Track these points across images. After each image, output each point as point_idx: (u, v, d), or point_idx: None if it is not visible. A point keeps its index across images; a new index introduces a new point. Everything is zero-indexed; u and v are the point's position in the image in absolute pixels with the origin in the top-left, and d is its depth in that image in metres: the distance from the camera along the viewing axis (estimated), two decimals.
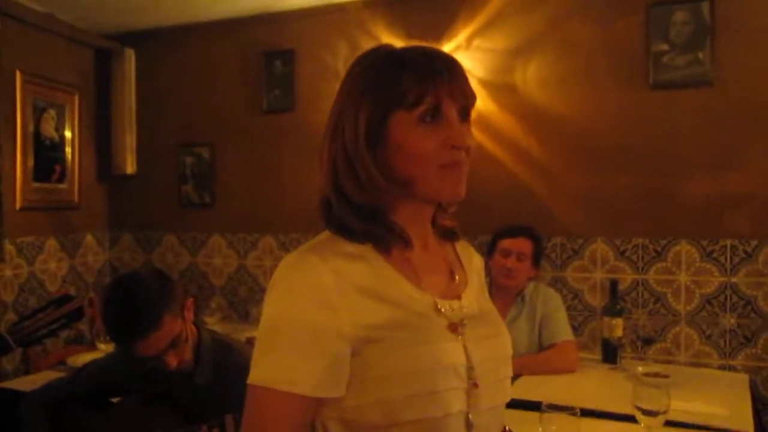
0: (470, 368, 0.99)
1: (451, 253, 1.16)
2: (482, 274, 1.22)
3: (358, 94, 1.00)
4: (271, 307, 0.97)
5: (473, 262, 1.20)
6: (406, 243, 1.03)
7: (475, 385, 0.99)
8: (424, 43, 3.06)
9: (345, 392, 0.94)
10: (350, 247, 0.99)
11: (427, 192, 1.00)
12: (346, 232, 1.01)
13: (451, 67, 1.00)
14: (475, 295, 1.12)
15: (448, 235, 1.16)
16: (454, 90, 0.99)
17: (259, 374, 0.94)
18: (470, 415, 0.98)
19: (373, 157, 0.98)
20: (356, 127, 0.98)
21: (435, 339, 0.98)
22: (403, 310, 0.98)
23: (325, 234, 1.04)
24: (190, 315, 1.89)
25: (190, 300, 1.91)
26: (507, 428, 1.20)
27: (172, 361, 1.81)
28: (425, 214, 1.08)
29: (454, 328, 1.01)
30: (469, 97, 1.02)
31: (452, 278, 1.11)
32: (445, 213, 1.13)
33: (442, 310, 1.02)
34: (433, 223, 1.12)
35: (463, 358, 0.99)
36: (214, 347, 1.93)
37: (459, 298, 1.07)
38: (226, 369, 1.88)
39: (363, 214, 1.00)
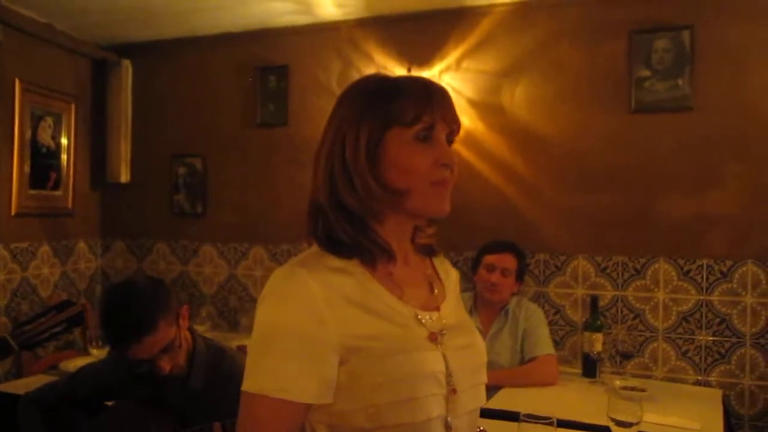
0: (449, 375, 1.06)
1: (429, 267, 1.23)
2: (458, 287, 1.29)
3: (360, 112, 1.08)
4: (262, 318, 1.03)
5: (450, 275, 1.27)
6: (390, 257, 1.09)
7: (454, 391, 1.06)
8: (414, 65, 3.17)
9: (333, 398, 1.00)
10: (337, 262, 1.06)
11: (417, 206, 1.07)
12: (333, 244, 1.08)
13: (444, 95, 1.10)
14: (452, 307, 1.20)
15: (427, 251, 1.23)
16: (446, 115, 1.08)
17: (252, 382, 1.00)
18: (449, 419, 1.05)
19: (370, 170, 1.05)
20: (357, 142, 1.06)
21: (416, 348, 1.05)
22: (387, 321, 1.05)
23: (313, 249, 1.11)
24: (185, 322, 1.95)
25: (185, 307, 1.97)
26: (481, 429, 1.28)
27: (165, 366, 1.87)
28: (407, 230, 1.16)
29: (434, 337, 1.08)
30: (456, 124, 1.11)
31: (431, 291, 1.18)
32: (422, 232, 1.20)
33: (423, 321, 1.09)
34: (412, 240, 1.19)
35: (443, 365, 1.06)
36: (208, 353, 1.99)
37: (438, 309, 1.15)
38: (219, 375, 1.94)
39: (354, 222, 1.07)
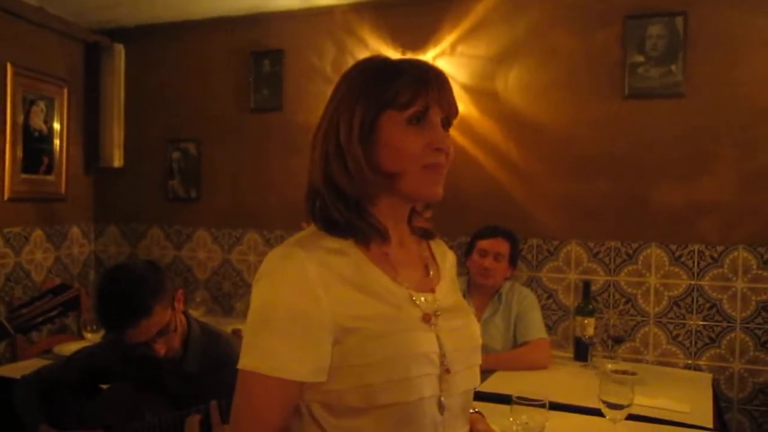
0: (443, 356, 1.07)
1: (425, 249, 1.24)
2: (454, 269, 1.31)
3: (355, 94, 1.09)
4: (259, 297, 1.04)
5: (446, 258, 1.29)
6: (384, 238, 1.11)
7: (447, 371, 1.07)
8: (408, 50, 3.17)
9: (327, 377, 1.02)
10: (333, 243, 1.07)
11: (409, 189, 1.08)
12: (330, 225, 1.09)
13: (441, 79, 1.11)
14: (447, 289, 1.21)
15: (424, 234, 1.24)
16: (441, 99, 1.09)
17: (248, 360, 1.02)
18: (442, 399, 1.07)
19: (364, 152, 1.06)
20: (351, 124, 1.07)
21: (410, 329, 1.06)
22: (381, 301, 1.06)
23: (310, 229, 1.12)
24: (180, 306, 1.96)
25: (181, 291, 1.98)
26: (475, 410, 1.30)
27: (161, 349, 1.88)
28: (402, 212, 1.16)
29: (428, 319, 1.10)
30: (453, 109, 1.12)
31: (426, 273, 1.19)
32: (419, 216, 1.22)
33: (417, 302, 1.11)
34: (409, 223, 1.20)
35: (436, 346, 1.07)
36: (203, 337, 2.00)
37: (433, 291, 1.16)
38: (214, 358, 1.95)
39: (348, 204, 1.08)
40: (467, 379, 1.14)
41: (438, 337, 1.09)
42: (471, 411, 1.24)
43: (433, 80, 1.09)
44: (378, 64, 1.13)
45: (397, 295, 1.09)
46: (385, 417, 1.02)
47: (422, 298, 1.12)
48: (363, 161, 1.06)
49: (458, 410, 1.12)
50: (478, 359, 1.18)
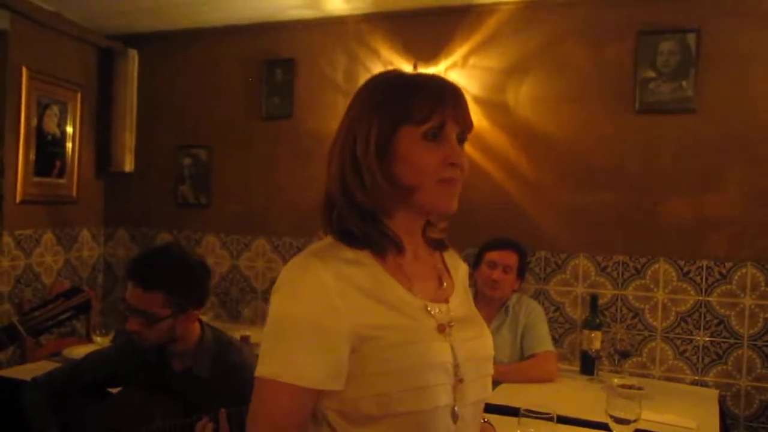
0: (456, 366, 1.09)
1: (439, 261, 1.25)
2: (467, 280, 1.31)
3: (371, 108, 1.10)
4: (277, 307, 1.06)
5: (459, 269, 1.30)
6: (400, 249, 1.12)
7: (461, 381, 1.09)
8: (420, 61, 3.18)
9: (344, 386, 1.03)
10: (349, 253, 1.08)
11: (424, 203, 1.10)
12: (346, 236, 1.10)
13: (457, 95, 1.12)
14: (461, 300, 1.22)
15: (437, 246, 1.25)
16: (457, 114, 1.10)
17: (266, 368, 1.03)
18: (456, 408, 1.08)
19: (380, 166, 1.08)
20: (368, 138, 1.08)
21: (425, 339, 1.08)
22: (397, 311, 1.07)
23: (326, 240, 1.13)
24: (187, 323, 1.96)
25: (197, 314, 2.00)
26: (485, 420, 1.31)
27: (132, 324, 1.91)
28: (417, 225, 1.18)
29: (443, 329, 1.11)
30: (468, 124, 1.13)
31: (440, 284, 1.21)
32: (434, 227, 1.23)
33: (432, 312, 1.12)
34: (423, 235, 1.21)
35: (450, 356, 1.09)
36: (215, 344, 2.01)
37: (447, 302, 1.17)
38: (224, 364, 1.96)
39: (364, 216, 1.10)
40: (480, 389, 1.15)
41: (452, 347, 1.10)
42: (481, 421, 1.25)
43: (449, 96, 1.10)
44: (394, 78, 1.15)
45: (413, 306, 1.10)
46: (401, 425, 1.03)
47: (437, 309, 1.13)
48: (379, 175, 1.08)
49: (470, 420, 1.13)
50: (490, 369, 1.19)
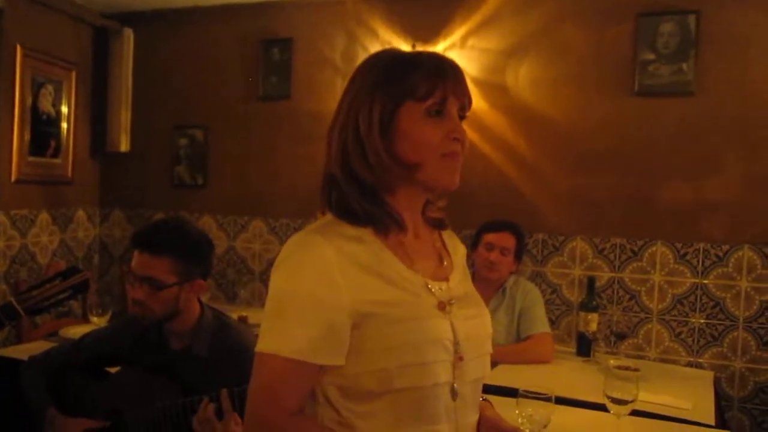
0: (456, 343, 1.09)
1: (438, 240, 1.26)
2: (465, 260, 1.32)
3: (373, 85, 1.10)
4: (278, 282, 1.07)
5: (458, 249, 1.30)
6: (401, 227, 1.13)
7: (461, 359, 1.09)
8: (419, 42, 3.16)
9: (345, 361, 1.03)
10: (351, 230, 1.09)
11: (428, 178, 1.10)
12: (347, 214, 1.10)
13: (457, 70, 1.13)
14: (460, 279, 1.23)
15: (437, 224, 1.26)
16: (457, 90, 1.11)
17: (266, 343, 1.04)
18: (455, 385, 1.09)
19: (383, 142, 1.08)
20: (370, 116, 1.08)
21: (426, 315, 1.08)
22: (398, 288, 1.08)
23: (328, 217, 1.13)
24: (193, 293, 1.96)
25: (203, 283, 1.99)
26: (483, 398, 1.31)
27: (135, 291, 1.89)
28: (418, 203, 1.18)
29: (443, 306, 1.12)
30: (468, 100, 1.14)
31: (440, 263, 1.21)
32: (433, 206, 1.23)
33: (433, 290, 1.12)
34: (423, 214, 1.22)
35: (451, 333, 1.09)
36: (214, 323, 2.01)
37: (447, 280, 1.18)
38: (223, 344, 1.96)
39: (366, 193, 1.10)
40: (479, 367, 1.15)
41: (452, 325, 1.11)
42: (480, 399, 1.26)
43: (449, 72, 1.11)
44: (394, 56, 1.15)
45: (414, 283, 1.11)
46: (400, 401, 1.04)
47: (437, 287, 1.14)
48: (383, 153, 1.08)
49: (469, 398, 1.14)
50: (489, 348, 1.20)
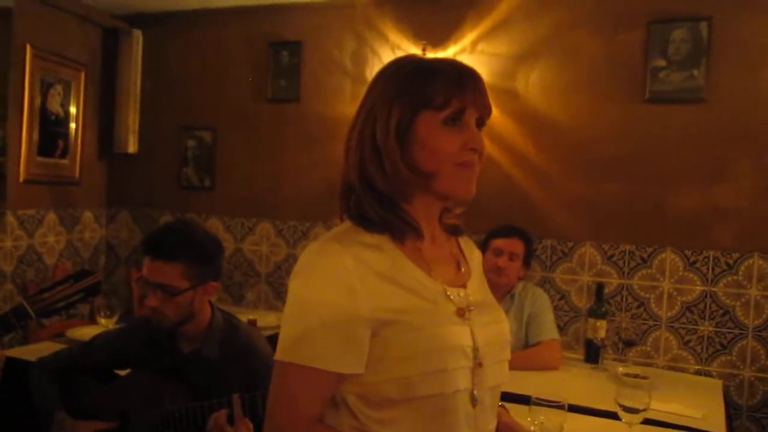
0: (476, 350, 1.09)
1: (455, 246, 1.26)
2: (481, 266, 1.32)
3: (391, 94, 1.10)
4: (297, 291, 1.07)
5: (474, 255, 1.30)
6: (419, 234, 1.12)
7: (480, 365, 1.09)
8: (429, 46, 3.14)
9: (364, 369, 1.03)
10: (368, 238, 1.09)
11: (443, 187, 1.10)
12: (364, 222, 1.10)
13: (477, 80, 1.12)
14: (478, 285, 1.23)
15: (453, 231, 1.26)
16: (476, 100, 1.10)
17: (286, 351, 1.04)
18: (475, 392, 1.08)
19: (400, 151, 1.08)
20: (388, 123, 1.08)
21: (445, 322, 1.08)
22: (416, 295, 1.08)
23: (345, 224, 1.13)
24: (205, 296, 1.95)
25: (214, 285, 1.98)
26: (501, 404, 1.31)
27: (150, 299, 1.87)
28: (435, 210, 1.18)
29: (462, 313, 1.11)
30: (487, 109, 1.13)
31: (458, 269, 1.21)
32: (450, 212, 1.23)
33: (451, 296, 1.12)
34: (439, 220, 1.21)
35: (470, 340, 1.09)
36: (224, 325, 2.00)
37: (465, 286, 1.17)
38: (233, 347, 1.95)
39: (383, 203, 1.10)
40: (497, 373, 1.15)
41: (472, 332, 1.11)
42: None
43: (469, 81, 1.10)
44: (414, 63, 1.14)
45: (432, 290, 1.11)
46: (421, 409, 1.04)
47: (455, 293, 1.14)
48: (400, 161, 1.08)
49: (488, 404, 1.13)
50: (507, 354, 1.20)
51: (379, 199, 1.10)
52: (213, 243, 2.00)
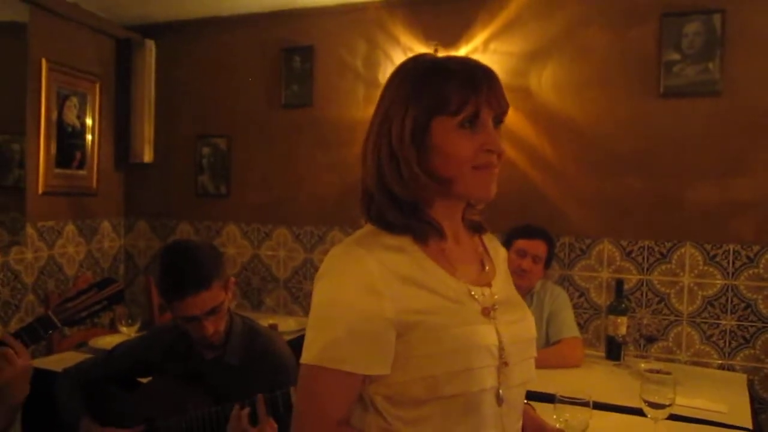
0: (501, 348, 1.09)
1: (479, 245, 1.26)
2: (506, 264, 1.32)
3: (405, 99, 1.09)
4: (321, 294, 1.07)
5: (499, 253, 1.30)
6: (441, 235, 1.12)
7: (506, 364, 1.09)
8: (441, 47, 3.14)
9: (391, 370, 1.03)
10: (391, 240, 1.08)
11: (462, 191, 1.09)
12: (386, 225, 1.10)
13: (490, 78, 1.10)
14: (502, 283, 1.22)
15: (477, 229, 1.25)
16: (491, 99, 1.08)
17: (312, 354, 1.04)
18: (501, 391, 1.08)
19: (416, 157, 1.07)
20: (402, 130, 1.07)
21: (470, 322, 1.08)
22: (440, 296, 1.08)
23: (367, 228, 1.13)
24: (231, 293, 1.99)
25: (233, 279, 2.02)
26: (526, 402, 1.31)
27: (209, 327, 1.90)
28: (457, 210, 1.18)
29: (487, 312, 1.11)
30: (504, 106, 1.12)
31: (482, 268, 1.21)
32: (473, 209, 1.23)
33: (476, 296, 1.12)
34: (462, 218, 1.21)
35: (495, 338, 1.09)
36: (244, 330, 2.02)
37: (489, 285, 1.17)
38: (254, 351, 1.97)
39: (403, 208, 1.10)
40: (523, 371, 1.15)
41: (497, 330, 1.10)
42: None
43: (483, 81, 1.08)
44: (426, 66, 1.12)
45: (457, 290, 1.10)
46: (448, 408, 1.04)
47: (480, 292, 1.13)
48: (416, 166, 1.07)
49: (515, 402, 1.13)
50: (533, 352, 1.19)
51: (399, 205, 1.10)
52: (207, 244, 2.06)
